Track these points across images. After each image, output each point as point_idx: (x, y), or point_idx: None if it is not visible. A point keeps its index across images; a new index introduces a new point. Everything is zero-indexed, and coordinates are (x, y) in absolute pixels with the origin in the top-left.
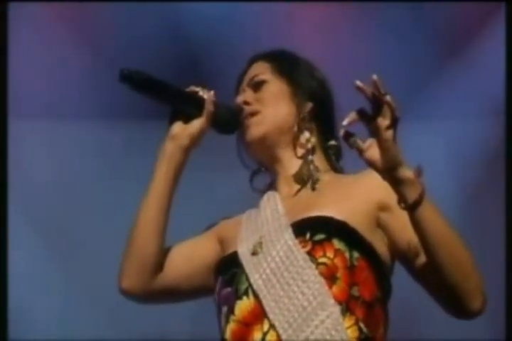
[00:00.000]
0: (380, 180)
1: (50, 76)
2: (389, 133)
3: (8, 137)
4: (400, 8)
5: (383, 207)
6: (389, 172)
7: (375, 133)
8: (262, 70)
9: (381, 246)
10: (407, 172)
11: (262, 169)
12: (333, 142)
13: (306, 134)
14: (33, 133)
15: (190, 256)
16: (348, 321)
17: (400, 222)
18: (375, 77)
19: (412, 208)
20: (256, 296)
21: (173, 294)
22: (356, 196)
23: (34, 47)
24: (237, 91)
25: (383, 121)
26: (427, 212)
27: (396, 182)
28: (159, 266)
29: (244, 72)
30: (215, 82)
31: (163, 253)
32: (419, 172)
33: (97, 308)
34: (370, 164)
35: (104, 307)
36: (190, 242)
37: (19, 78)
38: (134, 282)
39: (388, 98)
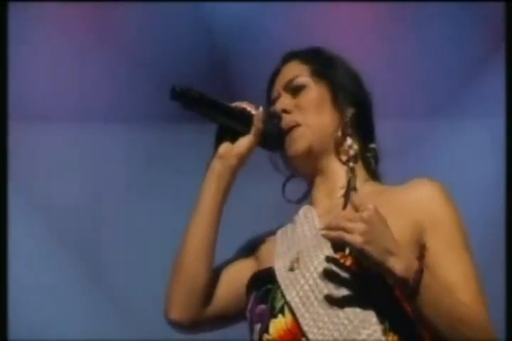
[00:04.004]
0: (426, 195)
1: (50, 76)
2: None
3: (8, 139)
4: (447, 4)
5: (427, 229)
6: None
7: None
8: (299, 72)
9: None
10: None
11: (294, 176)
12: (373, 145)
13: (349, 141)
14: (32, 135)
15: (234, 281)
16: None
17: (442, 250)
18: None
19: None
20: (293, 314)
21: (220, 322)
22: (401, 213)
23: (34, 47)
24: (269, 91)
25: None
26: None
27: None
28: (209, 292)
29: (278, 71)
30: (244, 82)
31: (212, 278)
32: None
33: (98, 308)
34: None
35: (104, 306)
36: (231, 267)
37: (19, 78)
38: (184, 311)
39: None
